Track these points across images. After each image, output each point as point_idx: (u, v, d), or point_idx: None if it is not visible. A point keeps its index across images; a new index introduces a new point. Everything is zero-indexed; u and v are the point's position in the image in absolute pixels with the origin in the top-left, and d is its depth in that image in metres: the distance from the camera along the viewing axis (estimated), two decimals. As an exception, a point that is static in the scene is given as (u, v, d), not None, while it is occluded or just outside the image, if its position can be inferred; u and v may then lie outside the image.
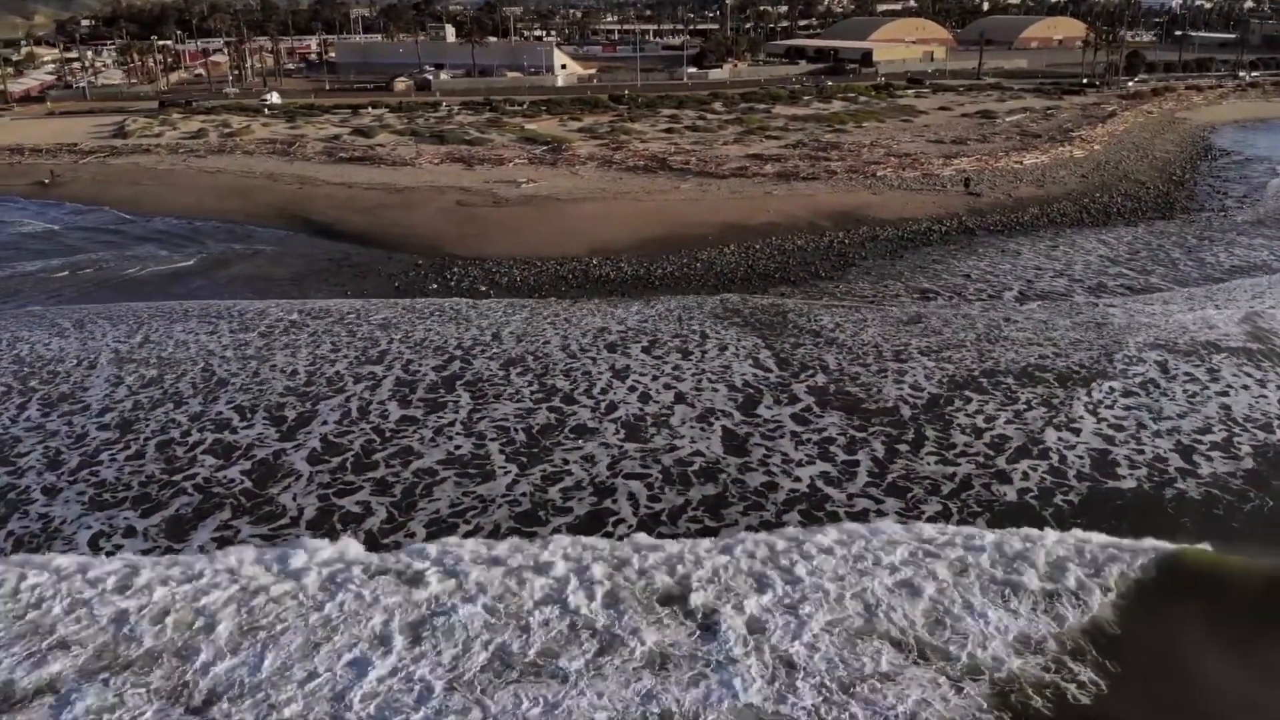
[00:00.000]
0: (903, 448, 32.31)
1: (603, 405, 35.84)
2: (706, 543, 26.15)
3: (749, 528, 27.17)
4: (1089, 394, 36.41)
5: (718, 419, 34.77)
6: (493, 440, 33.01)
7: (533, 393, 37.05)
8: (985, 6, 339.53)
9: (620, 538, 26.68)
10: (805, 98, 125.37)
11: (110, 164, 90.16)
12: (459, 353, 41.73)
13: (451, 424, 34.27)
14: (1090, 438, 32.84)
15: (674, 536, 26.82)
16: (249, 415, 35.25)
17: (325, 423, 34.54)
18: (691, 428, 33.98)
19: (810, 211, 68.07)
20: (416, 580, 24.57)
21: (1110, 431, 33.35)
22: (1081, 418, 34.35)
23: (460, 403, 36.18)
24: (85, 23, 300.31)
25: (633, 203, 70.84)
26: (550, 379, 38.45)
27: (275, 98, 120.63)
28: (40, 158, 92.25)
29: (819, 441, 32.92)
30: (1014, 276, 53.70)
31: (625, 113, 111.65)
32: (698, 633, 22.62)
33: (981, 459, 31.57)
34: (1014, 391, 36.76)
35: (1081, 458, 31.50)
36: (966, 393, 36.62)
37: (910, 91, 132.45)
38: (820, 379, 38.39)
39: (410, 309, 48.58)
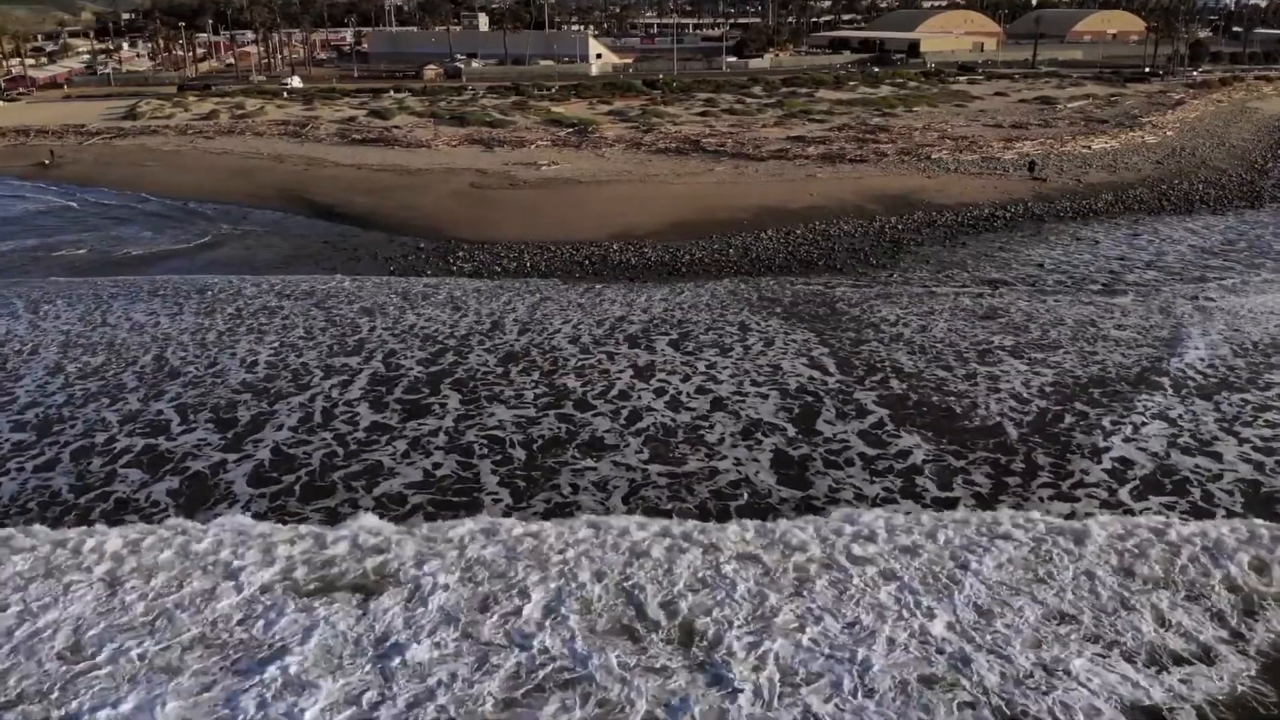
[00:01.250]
0: (1012, 480, 25.02)
1: (622, 413, 29.40)
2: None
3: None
4: (1217, 408, 29.51)
5: (767, 435, 27.93)
6: (483, 457, 26.86)
7: (536, 396, 30.90)
8: (1034, 1, 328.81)
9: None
10: (851, 83, 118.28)
11: (115, 145, 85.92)
12: (452, 343, 35.83)
13: (434, 434, 28.23)
14: (1237, 463, 25.96)
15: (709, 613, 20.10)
16: (192, 417, 29.56)
17: (281, 428, 28.74)
18: (734, 446, 27.19)
19: (858, 195, 61.58)
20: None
21: (1258, 456, 26.45)
22: (1216, 438, 27.48)
23: (447, 406, 30.17)
24: (126, 16, 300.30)
25: (661, 185, 64.77)
26: (559, 378, 32.31)
27: (296, 81, 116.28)
28: (46, 139, 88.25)
29: (901, 471, 25.57)
30: (1096, 267, 46.81)
31: (658, 97, 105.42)
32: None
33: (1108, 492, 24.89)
34: (1132, 402, 29.86)
35: (1230, 492, 24.65)
36: (1078, 405, 29.58)
37: (963, 78, 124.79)
38: (894, 384, 31.40)
39: (402, 292, 42.93)
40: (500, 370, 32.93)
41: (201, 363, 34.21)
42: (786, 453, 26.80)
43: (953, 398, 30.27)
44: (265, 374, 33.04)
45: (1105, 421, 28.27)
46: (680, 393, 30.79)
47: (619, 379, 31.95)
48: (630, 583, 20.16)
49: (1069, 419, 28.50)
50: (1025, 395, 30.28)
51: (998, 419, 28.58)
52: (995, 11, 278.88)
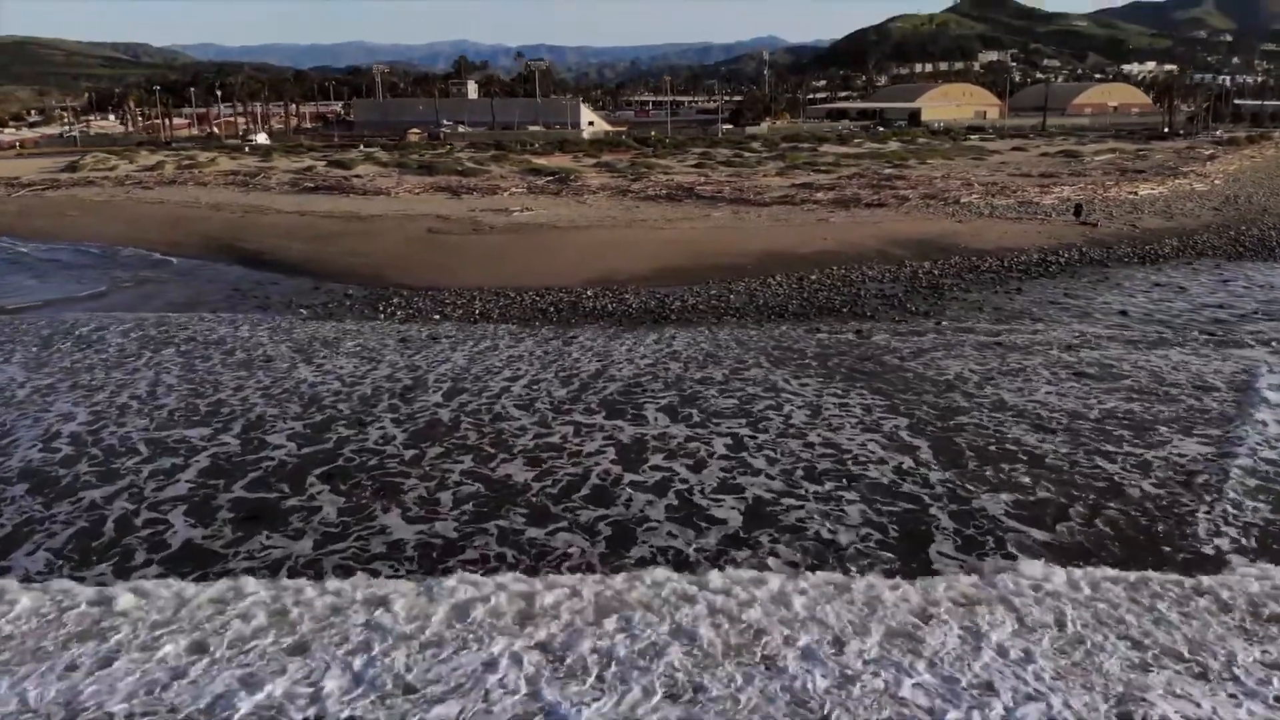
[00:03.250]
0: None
1: (600, 530, 18.22)
2: None
3: None
4: None
5: (853, 580, 15.66)
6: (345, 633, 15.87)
7: (461, 495, 20.39)
8: (1029, 81, 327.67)
9: None
10: (856, 140, 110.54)
11: (45, 196, 77.49)
12: (346, 409, 25.60)
13: (275, 565, 17.51)
14: None
15: None
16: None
17: (37, 550, 18.17)
18: (804, 603, 14.79)
19: (880, 239, 52.23)
20: None
21: None
22: None
23: (313, 518, 19.45)
24: (118, 90, 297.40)
25: (650, 230, 55.46)
26: (499, 464, 21.83)
27: (262, 138, 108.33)
28: (-30, 191, 79.40)
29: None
30: (1193, 316, 37.17)
31: (650, 152, 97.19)
32: None
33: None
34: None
35: None
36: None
37: (974, 136, 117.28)
38: (1034, 481, 19.95)
39: (302, 339, 32.83)
40: (411, 453, 22.54)
41: (-12, 431, 23.86)
42: (900, 621, 14.27)
43: (1142, 509, 18.83)
44: (66, 452, 22.63)
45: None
46: (691, 491, 20.05)
47: (594, 466, 21.55)
48: None
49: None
50: (1246, 503, 19.44)
51: (1234, 550, 17.21)
52: (992, 87, 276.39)
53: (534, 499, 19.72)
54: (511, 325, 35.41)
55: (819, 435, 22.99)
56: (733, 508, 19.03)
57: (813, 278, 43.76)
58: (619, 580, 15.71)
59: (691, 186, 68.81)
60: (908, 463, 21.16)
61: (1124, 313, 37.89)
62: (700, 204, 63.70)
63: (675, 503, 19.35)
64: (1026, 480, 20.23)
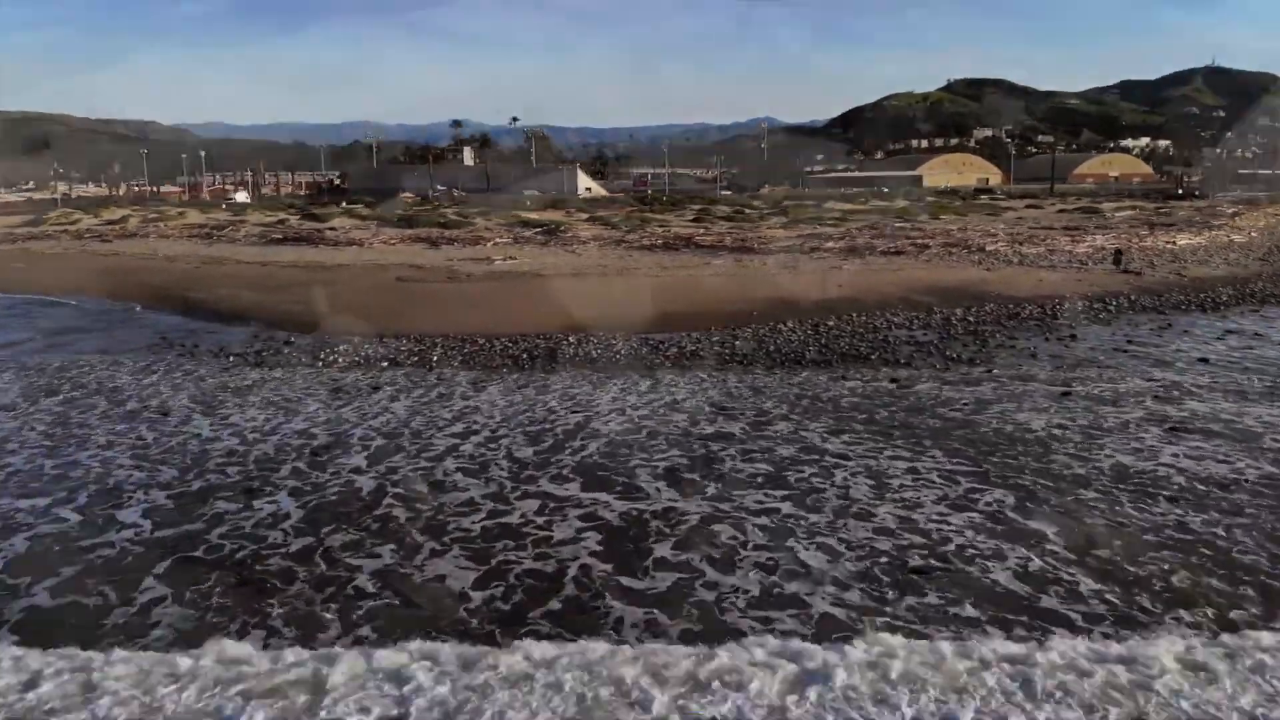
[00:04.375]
0: None
1: (575, 695, 9.90)
2: None
3: None
4: None
5: None
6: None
7: (378, 607, 13.91)
8: (1029, 152, 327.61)
9: None
10: (861, 198, 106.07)
11: (-3, 250, 71.92)
12: (233, 474, 19.19)
13: None
14: None
15: None
16: None
17: None
18: None
19: (901, 287, 46.61)
20: None
21: None
22: None
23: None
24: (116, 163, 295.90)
25: (644, 278, 49.83)
26: (426, 565, 15.18)
27: (242, 196, 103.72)
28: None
29: None
30: (1286, 362, 30.86)
31: (648, 209, 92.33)
32: None
33: None
34: None
35: None
36: None
37: (984, 196, 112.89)
38: (1226, 594, 13.23)
39: (209, 386, 26.54)
40: (303, 542, 16.08)
41: None
42: None
43: None
44: None
45: None
46: (722, 604, 13.29)
47: (568, 562, 14.89)
48: None
49: None
50: None
51: None
52: (993, 159, 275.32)
53: (474, 620, 13.14)
54: (475, 372, 29.14)
55: (892, 514, 16.49)
56: (789, 632, 12.27)
57: (830, 323, 37.79)
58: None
59: (690, 237, 63.48)
60: (1034, 560, 14.58)
61: (1205, 360, 31.91)
62: (699, 253, 58.28)
63: (697, 626, 12.62)
64: (1224, 588, 13.64)
